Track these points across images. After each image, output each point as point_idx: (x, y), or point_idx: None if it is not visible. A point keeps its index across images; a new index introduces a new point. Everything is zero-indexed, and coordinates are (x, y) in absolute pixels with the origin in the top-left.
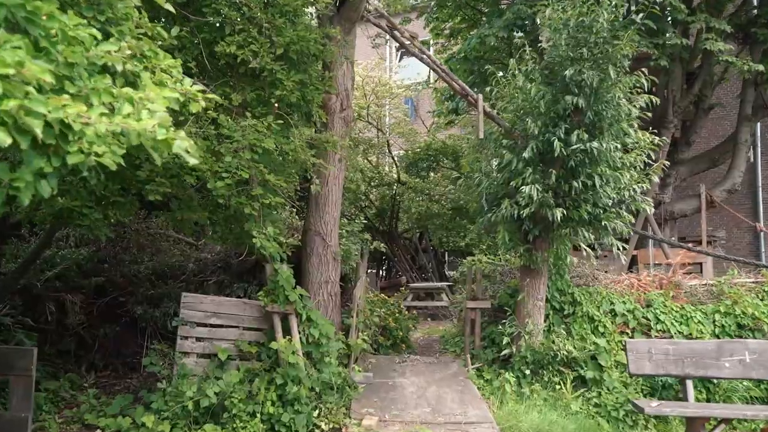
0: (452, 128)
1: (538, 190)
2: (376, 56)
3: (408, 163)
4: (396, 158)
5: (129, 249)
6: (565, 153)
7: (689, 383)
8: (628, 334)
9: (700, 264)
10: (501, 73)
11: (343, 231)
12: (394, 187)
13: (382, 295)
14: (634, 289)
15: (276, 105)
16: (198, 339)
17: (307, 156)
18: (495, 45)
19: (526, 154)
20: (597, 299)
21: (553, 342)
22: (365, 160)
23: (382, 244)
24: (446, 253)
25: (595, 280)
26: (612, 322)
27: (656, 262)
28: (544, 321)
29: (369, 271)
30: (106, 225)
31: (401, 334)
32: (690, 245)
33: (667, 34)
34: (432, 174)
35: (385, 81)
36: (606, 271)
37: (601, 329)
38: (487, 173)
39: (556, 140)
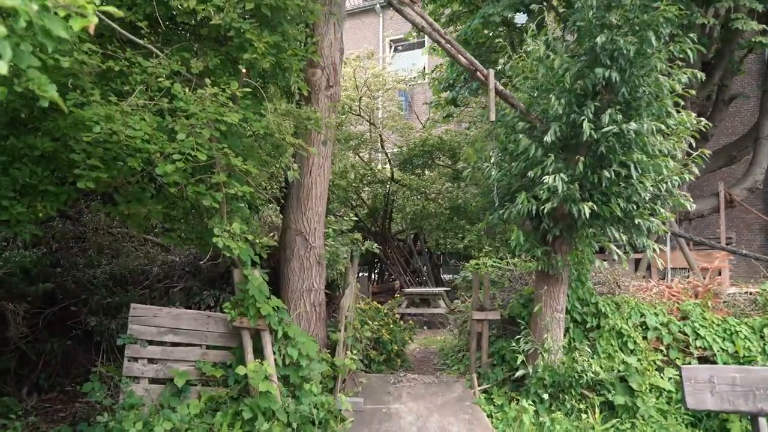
0: (450, 124)
1: (563, 180)
2: (368, 46)
3: (402, 160)
4: (389, 155)
5: (87, 251)
6: (595, 136)
7: (763, 422)
8: (662, 351)
9: (719, 269)
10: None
11: (330, 230)
12: (388, 186)
13: (375, 302)
14: (665, 299)
15: (245, 72)
16: (150, 360)
17: (283, 134)
18: (498, 32)
19: (548, 138)
20: (625, 310)
21: (576, 361)
22: (356, 156)
23: (375, 245)
24: (442, 255)
25: (618, 288)
26: (643, 338)
27: (671, 266)
28: (564, 335)
29: (360, 274)
30: (33, 221)
31: (396, 347)
32: (721, 247)
33: (693, 15)
34: (428, 172)
35: (377, 72)
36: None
37: (630, 345)
38: (499, 163)
39: (585, 121)
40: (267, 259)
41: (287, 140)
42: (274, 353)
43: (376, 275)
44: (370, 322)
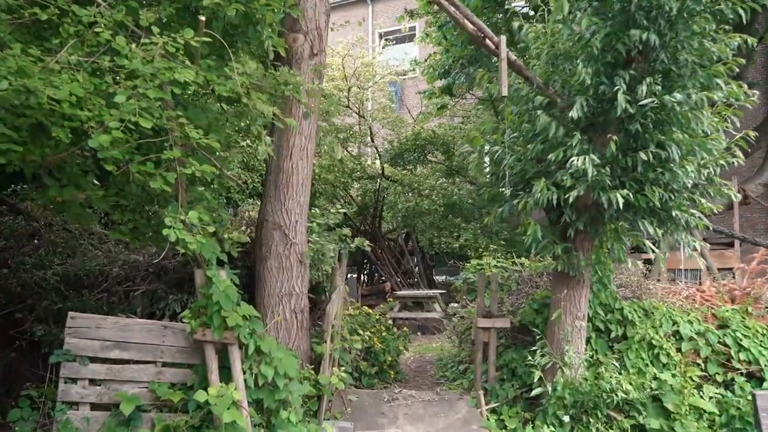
0: (443, 118)
1: (593, 162)
2: (359, 33)
3: (393, 155)
4: (380, 149)
5: (39, 249)
6: (631, 111)
7: None
8: (699, 365)
9: (731, 269)
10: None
11: (314, 224)
12: (378, 182)
13: (365, 307)
14: (698, 304)
15: (203, 20)
16: (92, 382)
17: (254, 101)
18: (496, 16)
19: (574, 113)
20: (655, 318)
21: (602, 377)
22: (345, 151)
23: (366, 241)
24: (435, 256)
25: (642, 291)
26: (677, 350)
27: (682, 268)
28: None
29: (348, 275)
30: None
31: (389, 358)
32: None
33: None
34: (420, 167)
35: (367, 62)
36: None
37: (663, 359)
38: (511, 146)
39: (620, 92)
40: (241, 258)
41: (257, 106)
42: (245, 372)
43: (366, 277)
44: (361, 331)
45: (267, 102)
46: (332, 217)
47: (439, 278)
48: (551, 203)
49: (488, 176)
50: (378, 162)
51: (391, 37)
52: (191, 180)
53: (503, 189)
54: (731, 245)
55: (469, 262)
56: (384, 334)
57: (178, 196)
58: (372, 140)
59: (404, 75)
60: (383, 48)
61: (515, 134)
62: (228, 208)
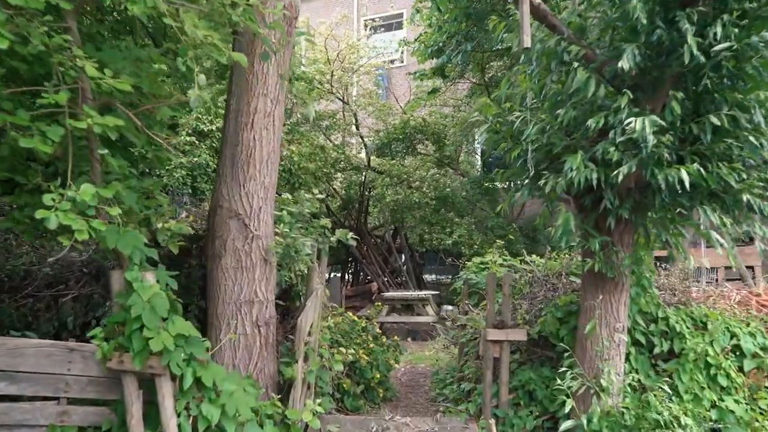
0: (434, 105)
1: (653, 124)
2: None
3: (381, 144)
4: (365, 139)
5: None
6: (701, 60)
7: None
8: (767, 388)
9: (752, 268)
10: None
11: (284, 213)
12: (364, 174)
13: (349, 313)
14: (754, 311)
15: None
16: None
17: (184, 23)
18: None
19: (624, 63)
20: (710, 330)
21: (649, 405)
22: (328, 140)
23: (351, 234)
24: (425, 253)
25: (686, 295)
26: (738, 369)
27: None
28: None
29: (331, 275)
30: None
31: (378, 376)
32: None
33: None
34: (409, 158)
35: (353, 44)
36: None
37: (722, 381)
38: (535, 111)
39: (690, 34)
40: (197, 256)
41: (186, 30)
42: (179, 415)
43: (350, 276)
44: (344, 345)
45: (204, 27)
46: (308, 204)
47: (428, 277)
48: (588, 184)
49: (502, 153)
50: (364, 152)
51: (378, 24)
52: (107, 143)
53: (526, 166)
54: (751, 241)
55: (467, 261)
56: (371, 345)
57: (69, 164)
58: (357, 128)
59: (392, 63)
60: (368, 37)
61: (535, 100)
62: (189, 198)
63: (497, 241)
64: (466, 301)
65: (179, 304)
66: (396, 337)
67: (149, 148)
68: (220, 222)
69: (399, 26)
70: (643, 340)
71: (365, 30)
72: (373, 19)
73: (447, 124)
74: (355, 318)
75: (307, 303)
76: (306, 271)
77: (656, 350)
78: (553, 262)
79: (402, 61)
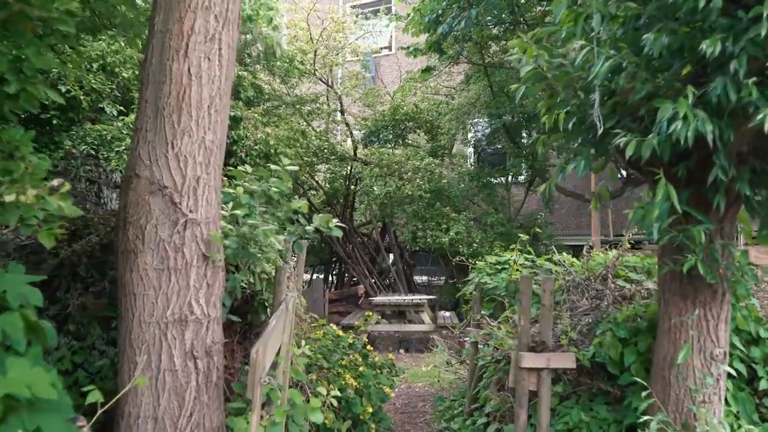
0: (426, 92)
1: None
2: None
3: (368, 132)
4: (352, 127)
5: None
6: None
7: None
8: None
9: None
10: None
11: (239, 189)
12: (349, 165)
13: (333, 326)
14: None
15: None
16: None
17: None
18: None
19: None
20: None
21: None
22: (309, 127)
23: (335, 220)
24: (415, 253)
25: None
26: None
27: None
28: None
29: (314, 276)
30: None
31: (369, 410)
32: None
33: None
34: (399, 150)
35: (338, 19)
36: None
37: None
38: (602, 44)
39: None
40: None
41: None
42: None
43: (335, 277)
44: (327, 368)
45: None
46: (276, 181)
47: (419, 279)
48: (685, 147)
49: (543, 110)
50: (349, 141)
51: (365, 10)
52: None
53: (596, 117)
54: None
55: (472, 260)
56: (361, 368)
57: None
58: (342, 113)
59: (380, 51)
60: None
61: (607, 26)
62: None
63: (471, 242)
64: (482, 312)
65: (50, 329)
66: (390, 356)
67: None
68: (135, 199)
69: (387, 12)
70: (742, 369)
71: (351, 10)
72: (359, 5)
73: (441, 111)
74: (341, 334)
75: (270, 322)
76: (273, 274)
77: (762, 384)
78: (596, 261)
79: (390, 49)
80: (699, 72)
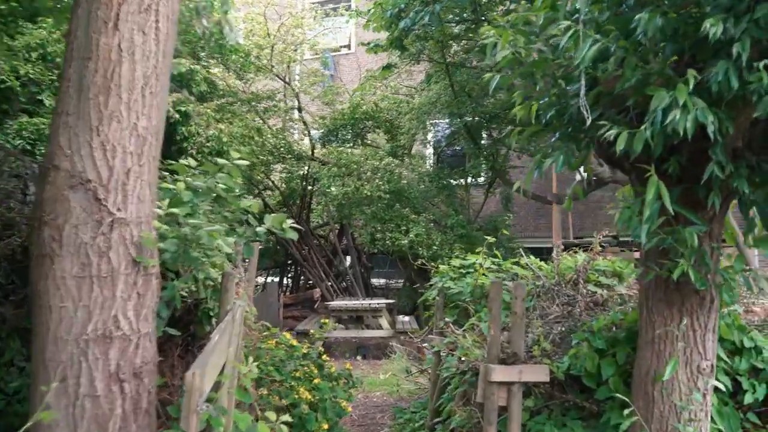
0: (385, 91)
1: None
2: None
3: (326, 131)
4: (310, 126)
5: None
6: None
7: None
8: None
9: None
10: None
11: (179, 185)
12: (307, 165)
13: (287, 335)
14: None
15: None
16: None
17: None
18: None
19: None
20: None
21: None
22: (266, 125)
23: (290, 221)
24: (372, 255)
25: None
26: None
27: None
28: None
29: (268, 279)
30: None
31: (325, 426)
32: None
33: None
34: (359, 148)
35: (297, 15)
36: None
37: None
38: (589, 25)
39: None
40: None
41: None
42: None
43: (290, 280)
44: (278, 393)
45: None
46: (225, 177)
47: (376, 282)
48: (679, 140)
49: (518, 101)
50: (307, 140)
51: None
52: None
53: (565, 119)
54: None
55: (438, 263)
56: (316, 381)
57: None
58: (300, 111)
59: (339, 50)
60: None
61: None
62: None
63: (430, 245)
64: (445, 319)
65: None
66: (348, 365)
67: None
68: (53, 195)
69: (348, 9)
70: (727, 382)
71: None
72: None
73: (401, 110)
74: (295, 344)
75: (212, 337)
76: (219, 280)
77: (748, 398)
78: (567, 263)
79: (350, 48)
80: (689, 60)
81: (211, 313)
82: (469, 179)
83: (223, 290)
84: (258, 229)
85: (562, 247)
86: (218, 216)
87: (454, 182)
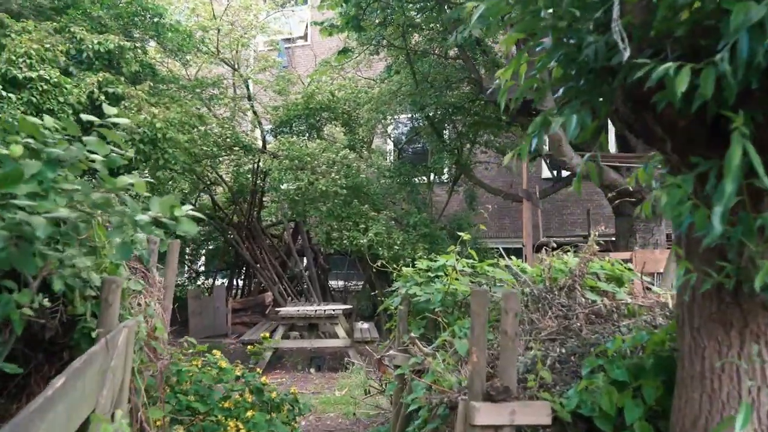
0: (343, 82)
1: None
2: None
3: (279, 123)
4: (261, 115)
5: None
6: None
7: None
8: None
9: None
10: None
11: (14, 152)
12: (257, 158)
13: (216, 355)
14: None
15: None
16: None
17: None
18: None
19: None
20: None
21: None
22: (211, 113)
23: (187, 208)
24: (331, 255)
25: None
26: None
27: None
28: None
29: (218, 281)
30: None
31: None
32: None
33: None
34: (313, 143)
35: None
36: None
37: None
38: None
39: None
40: None
41: None
42: None
43: (242, 283)
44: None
45: None
46: (95, 143)
47: (334, 284)
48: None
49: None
50: (258, 131)
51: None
52: None
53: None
54: None
55: (400, 264)
56: (250, 413)
57: None
58: (249, 99)
59: (294, 41)
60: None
61: None
62: None
63: (391, 245)
64: (411, 333)
65: None
66: (293, 390)
67: None
68: None
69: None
70: None
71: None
72: None
73: (360, 101)
74: (226, 365)
75: (54, 383)
76: (97, 293)
77: None
78: (559, 266)
79: (306, 39)
80: None
81: (93, 334)
82: (432, 176)
83: (104, 304)
84: (139, 218)
85: (530, 246)
86: (86, 198)
87: (416, 180)
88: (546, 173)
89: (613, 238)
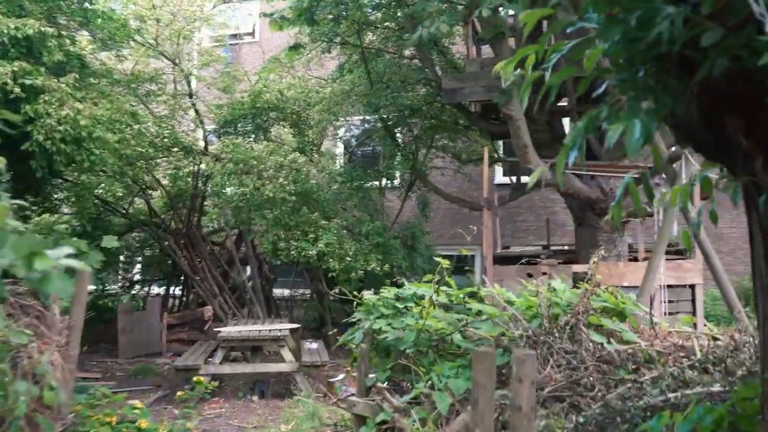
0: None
1: None
2: None
3: (223, 122)
4: (204, 115)
5: None
6: None
7: None
8: None
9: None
10: None
11: None
12: (198, 160)
13: (139, 403)
14: None
15: None
16: None
17: None
18: None
19: None
20: None
21: None
22: (147, 110)
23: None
24: (277, 266)
25: None
26: None
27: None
28: None
29: (150, 291)
30: None
31: None
32: None
33: None
34: (259, 144)
35: None
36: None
37: None
38: None
39: None
40: None
41: None
42: None
43: (182, 294)
44: None
45: None
46: None
47: (279, 292)
48: None
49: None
50: (200, 131)
51: None
52: None
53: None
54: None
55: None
56: None
57: None
58: (191, 96)
59: (241, 38)
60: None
61: None
62: None
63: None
64: (377, 382)
65: None
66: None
67: None
68: None
69: None
70: None
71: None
72: None
73: (311, 101)
74: (146, 425)
75: None
76: None
77: None
78: (563, 278)
79: (254, 36)
80: None
81: None
82: (385, 182)
83: None
84: None
85: (491, 257)
86: None
87: (368, 185)
88: (499, 179)
89: (573, 248)
